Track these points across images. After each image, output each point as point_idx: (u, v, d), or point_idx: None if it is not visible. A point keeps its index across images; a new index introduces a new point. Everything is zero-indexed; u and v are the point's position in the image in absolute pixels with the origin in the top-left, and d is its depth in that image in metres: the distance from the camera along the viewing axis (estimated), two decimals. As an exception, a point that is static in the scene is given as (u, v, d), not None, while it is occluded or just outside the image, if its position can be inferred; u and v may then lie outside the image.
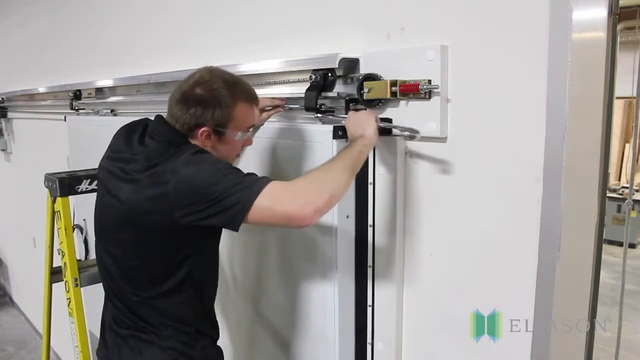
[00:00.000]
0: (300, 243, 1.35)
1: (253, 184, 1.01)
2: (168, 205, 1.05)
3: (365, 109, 1.20)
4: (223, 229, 1.25)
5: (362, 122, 1.12)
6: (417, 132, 1.10)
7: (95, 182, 1.65)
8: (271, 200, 1.00)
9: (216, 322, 1.36)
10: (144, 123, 1.25)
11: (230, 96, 1.14)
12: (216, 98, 1.13)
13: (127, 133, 1.24)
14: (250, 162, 1.47)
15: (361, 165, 1.09)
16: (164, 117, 1.20)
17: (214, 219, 1.04)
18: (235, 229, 1.04)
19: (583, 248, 1.13)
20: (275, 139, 1.39)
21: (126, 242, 1.18)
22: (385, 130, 1.16)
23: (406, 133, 1.12)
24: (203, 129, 1.14)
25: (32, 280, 3.76)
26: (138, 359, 1.22)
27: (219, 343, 1.37)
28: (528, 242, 0.99)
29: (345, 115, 1.21)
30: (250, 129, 1.23)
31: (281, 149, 1.36)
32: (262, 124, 1.43)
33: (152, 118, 1.24)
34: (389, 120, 1.17)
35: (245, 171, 1.08)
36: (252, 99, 1.20)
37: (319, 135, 1.23)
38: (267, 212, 1.00)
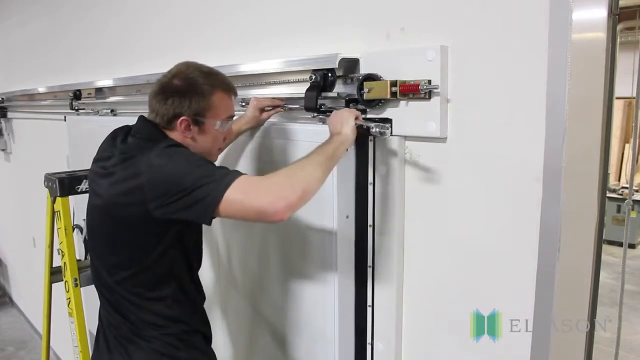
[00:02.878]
0: (300, 243, 1.35)
1: (224, 177, 1.01)
2: (142, 197, 1.06)
3: (366, 112, 1.20)
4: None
5: (341, 120, 1.13)
6: (386, 128, 1.12)
7: (95, 182, 1.65)
8: (242, 194, 0.99)
9: (207, 317, 1.36)
10: (127, 127, 1.27)
11: (207, 84, 1.16)
12: (193, 86, 1.15)
13: (112, 137, 1.27)
14: (249, 162, 1.48)
15: (337, 162, 1.09)
16: (146, 116, 1.22)
17: (186, 213, 1.03)
18: (207, 223, 1.03)
19: (583, 248, 1.13)
20: (275, 139, 1.39)
21: (107, 238, 1.20)
22: (363, 129, 1.17)
23: (376, 130, 1.14)
24: (182, 118, 1.16)
25: (32, 280, 3.76)
26: None
27: (219, 343, 1.36)
28: (528, 242, 0.99)
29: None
30: (230, 120, 1.24)
31: (281, 149, 1.36)
32: (262, 124, 1.43)
33: (127, 125, 1.28)
34: (386, 120, 1.17)
35: (246, 172, 1.08)
36: (230, 89, 1.22)
37: (318, 136, 1.23)
38: (238, 205, 0.99)
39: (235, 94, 1.24)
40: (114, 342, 1.24)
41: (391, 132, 1.17)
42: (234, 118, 1.28)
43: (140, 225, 1.11)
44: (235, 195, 0.99)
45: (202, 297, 1.35)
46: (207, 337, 1.35)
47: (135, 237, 1.15)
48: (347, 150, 1.12)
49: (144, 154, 1.10)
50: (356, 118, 1.15)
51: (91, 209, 1.24)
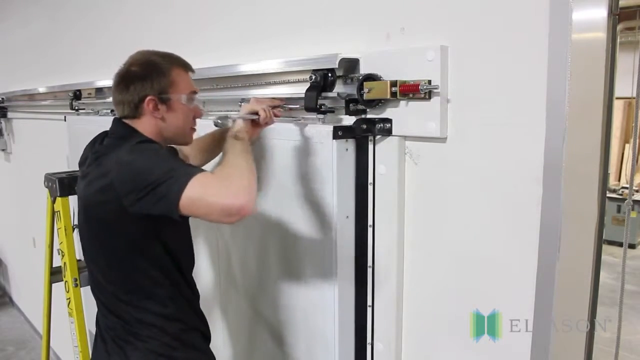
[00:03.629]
0: (300, 243, 1.35)
1: (184, 175, 1.01)
2: (115, 194, 1.07)
3: (366, 112, 1.20)
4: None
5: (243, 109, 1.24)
6: (226, 118, 1.21)
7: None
8: (201, 191, 1.00)
9: (204, 316, 1.36)
10: (106, 131, 1.30)
11: (164, 63, 1.20)
12: (152, 67, 1.19)
13: (93, 141, 1.30)
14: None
15: (247, 148, 1.15)
16: (116, 114, 1.25)
17: (155, 208, 1.04)
18: (176, 217, 1.03)
19: (583, 248, 1.13)
20: (275, 139, 1.39)
21: (93, 239, 1.22)
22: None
23: (218, 121, 1.20)
24: (148, 98, 1.18)
25: (32, 280, 3.76)
26: None
27: (218, 343, 1.36)
28: (528, 242, 0.99)
29: (345, 116, 1.21)
30: (195, 96, 1.26)
31: (281, 150, 1.36)
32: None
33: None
34: (390, 130, 1.18)
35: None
36: (186, 65, 1.25)
37: (318, 136, 1.23)
38: (200, 203, 1.00)
39: (192, 70, 1.27)
40: (112, 344, 1.24)
41: (391, 131, 1.17)
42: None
43: (118, 222, 1.12)
44: (194, 193, 0.99)
45: (197, 296, 1.35)
46: (206, 336, 1.35)
47: (116, 236, 1.15)
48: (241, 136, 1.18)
49: (114, 151, 1.12)
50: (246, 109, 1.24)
51: (78, 213, 1.26)
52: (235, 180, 1.01)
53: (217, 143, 1.46)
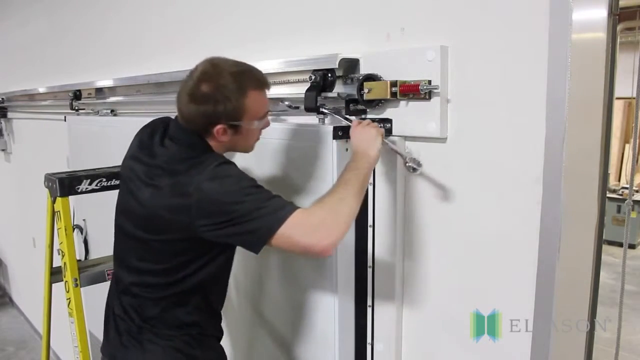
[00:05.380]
0: (300, 243, 1.35)
1: (278, 211, 1.01)
2: (189, 217, 1.05)
3: (366, 112, 1.20)
4: None
5: (369, 140, 1.10)
6: (420, 164, 1.11)
7: (96, 182, 1.66)
8: (293, 230, 1.00)
9: (221, 324, 1.37)
10: (164, 122, 1.24)
11: (239, 88, 1.08)
12: (224, 93, 1.08)
13: (150, 134, 1.23)
14: (250, 163, 1.47)
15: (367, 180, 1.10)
16: (179, 120, 1.17)
17: (234, 239, 1.05)
18: (256, 252, 1.04)
19: (583, 248, 1.13)
20: (275, 140, 1.39)
21: (140, 244, 1.19)
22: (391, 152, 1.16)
23: (410, 164, 1.12)
24: (217, 127, 1.10)
25: (32, 280, 3.76)
26: (140, 356, 1.22)
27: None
28: (528, 242, 0.99)
29: (346, 116, 1.21)
30: (267, 115, 1.19)
31: (281, 150, 1.36)
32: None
33: (164, 117, 1.26)
34: (390, 130, 1.18)
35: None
36: (262, 84, 1.14)
37: (319, 136, 1.23)
38: (287, 240, 1.00)
39: (268, 87, 1.17)
40: (128, 336, 1.24)
41: (391, 131, 1.17)
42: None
43: (183, 240, 1.12)
44: (286, 232, 0.99)
45: (222, 305, 1.36)
46: (219, 339, 1.36)
47: (175, 250, 1.14)
48: None
49: (192, 171, 1.07)
50: (381, 138, 1.12)
51: (126, 209, 1.22)
52: (331, 225, 0.99)
53: None
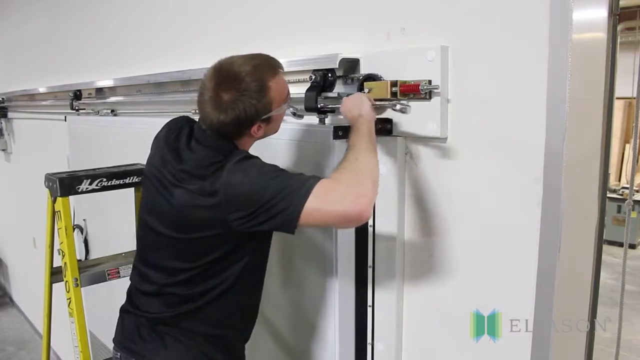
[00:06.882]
0: (301, 243, 1.35)
1: (302, 186, 1.00)
2: (220, 214, 1.06)
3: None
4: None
5: (356, 103, 1.12)
6: (407, 105, 1.10)
7: (96, 182, 1.66)
8: (322, 201, 0.99)
9: (251, 329, 1.34)
10: (189, 125, 1.24)
11: (260, 85, 1.09)
12: (249, 98, 1.08)
13: (176, 137, 1.23)
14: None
15: (375, 139, 1.09)
16: (202, 125, 1.16)
17: (268, 225, 1.04)
18: (291, 232, 1.03)
19: (583, 248, 1.13)
20: (275, 139, 1.39)
21: (170, 243, 1.18)
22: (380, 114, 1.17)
23: (398, 107, 1.11)
24: (253, 127, 1.12)
25: (32, 280, 3.76)
26: (161, 352, 1.21)
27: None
28: (528, 242, 0.99)
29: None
30: (289, 91, 1.20)
31: (281, 150, 1.36)
32: None
33: (187, 117, 1.28)
34: (390, 130, 1.18)
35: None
36: (276, 68, 1.14)
37: (319, 135, 1.23)
38: (321, 213, 1.00)
39: (282, 67, 1.17)
40: (149, 330, 1.23)
41: (391, 131, 1.17)
42: None
43: (214, 237, 1.11)
44: (316, 204, 0.99)
45: (255, 312, 1.33)
46: (245, 341, 1.34)
47: (205, 249, 1.14)
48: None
49: (217, 171, 1.08)
50: (368, 98, 1.13)
51: (155, 210, 1.21)
52: (358, 185, 0.98)
53: None
